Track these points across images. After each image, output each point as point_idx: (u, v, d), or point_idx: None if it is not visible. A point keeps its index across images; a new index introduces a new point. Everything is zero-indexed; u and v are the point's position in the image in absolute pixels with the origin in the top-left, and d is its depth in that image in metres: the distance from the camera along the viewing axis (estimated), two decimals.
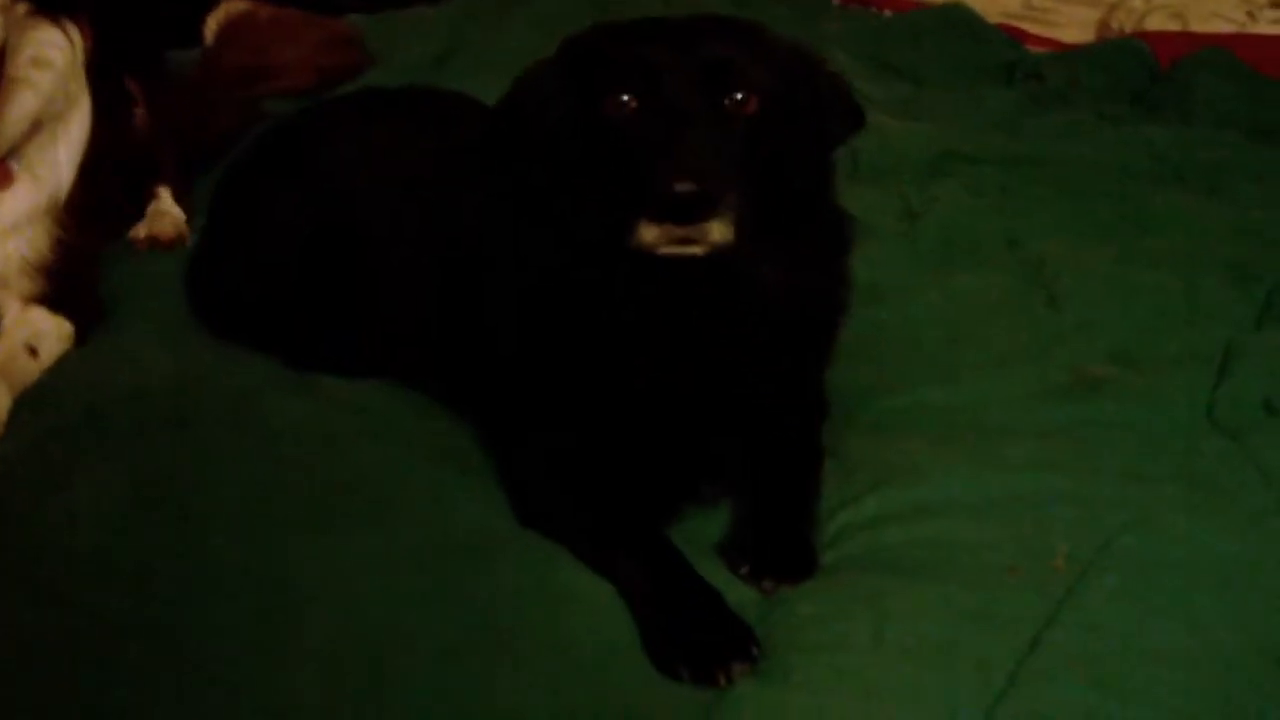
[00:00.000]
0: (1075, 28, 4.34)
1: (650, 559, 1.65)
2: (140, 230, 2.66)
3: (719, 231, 1.58)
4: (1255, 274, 2.42)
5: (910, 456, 1.88)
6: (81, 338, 2.26)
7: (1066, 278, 2.40)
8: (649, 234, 1.58)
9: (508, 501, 1.81)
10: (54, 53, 2.21)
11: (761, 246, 1.68)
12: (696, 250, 1.59)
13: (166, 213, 2.73)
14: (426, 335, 2.02)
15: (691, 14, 1.80)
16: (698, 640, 1.52)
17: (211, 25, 3.57)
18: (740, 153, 1.64)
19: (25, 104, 2.19)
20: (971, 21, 4.08)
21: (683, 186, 1.54)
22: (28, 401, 2.05)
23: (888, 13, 4.42)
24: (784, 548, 1.72)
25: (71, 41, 2.23)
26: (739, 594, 1.64)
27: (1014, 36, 4.09)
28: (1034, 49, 4.02)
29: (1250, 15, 4.00)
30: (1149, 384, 2.05)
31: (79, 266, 2.31)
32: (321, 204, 2.19)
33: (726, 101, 1.65)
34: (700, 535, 1.78)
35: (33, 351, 2.15)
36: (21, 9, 2.15)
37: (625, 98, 1.65)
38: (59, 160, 2.30)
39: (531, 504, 1.79)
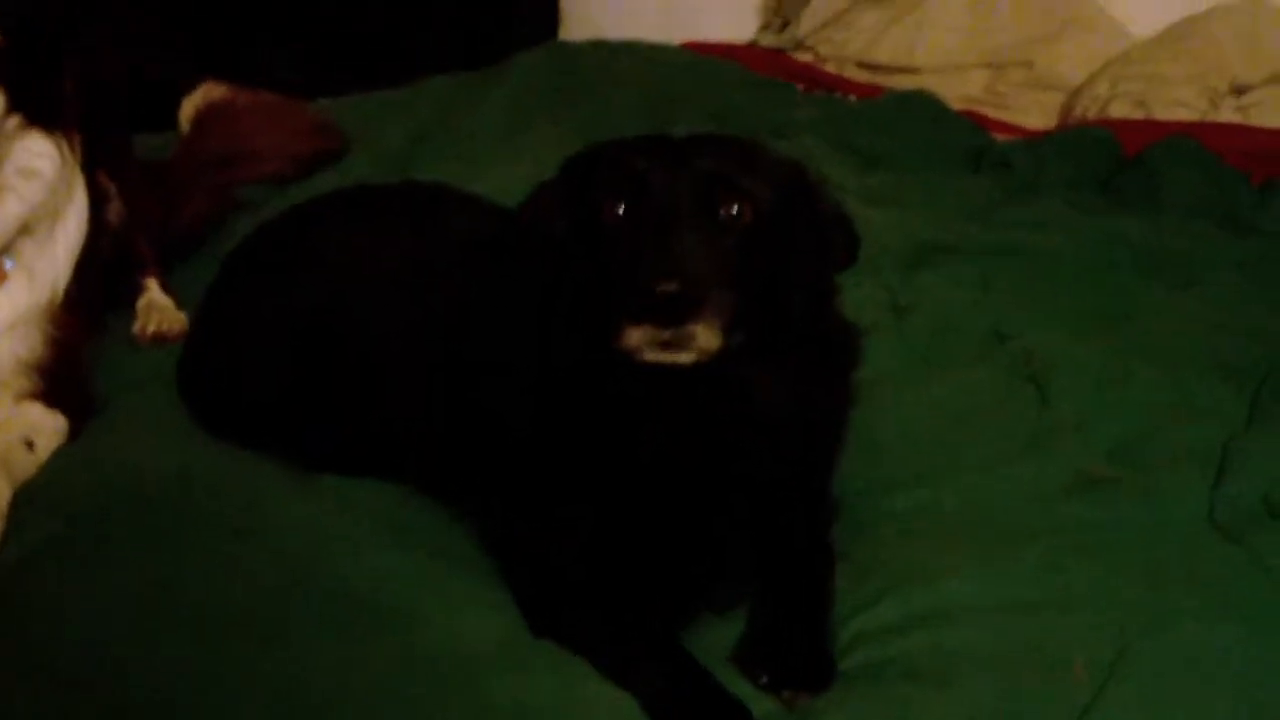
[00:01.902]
0: (1038, 113, 4.41)
1: (672, 670, 1.65)
2: (144, 327, 2.65)
3: (703, 336, 1.59)
4: (1241, 370, 2.46)
5: (921, 560, 1.89)
6: (75, 433, 2.24)
7: (1056, 373, 2.42)
8: (633, 336, 1.60)
9: (519, 609, 1.80)
10: (43, 163, 2.23)
11: (759, 360, 1.71)
12: (683, 359, 1.60)
13: (162, 306, 2.72)
14: (429, 435, 2.01)
15: (689, 132, 1.84)
16: None
17: (188, 110, 3.55)
18: (732, 261, 1.66)
19: (10, 210, 2.21)
20: (937, 108, 4.12)
21: (663, 286, 1.56)
22: (29, 498, 2.04)
23: (852, 98, 4.48)
24: (803, 657, 1.72)
25: (62, 151, 2.25)
26: (761, 706, 1.64)
27: (978, 123, 4.15)
28: (999, 135, 4.07)
29: (1212, 103, 4.07)
30: (1148, 485, 2.07)
31: (73, 362, 2.31)
32: (318, 302, 2.18)
33: (721, 212, 1.68)
34: (714, 642, 1.78)
35: (30, 445, 2.14)
36: (14, 122, 2.17)
37: (620, 207, 1.68)
38: (57, 259, 2.31)
39: (543, 613, 1.77)
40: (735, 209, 1.68)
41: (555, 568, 1.81)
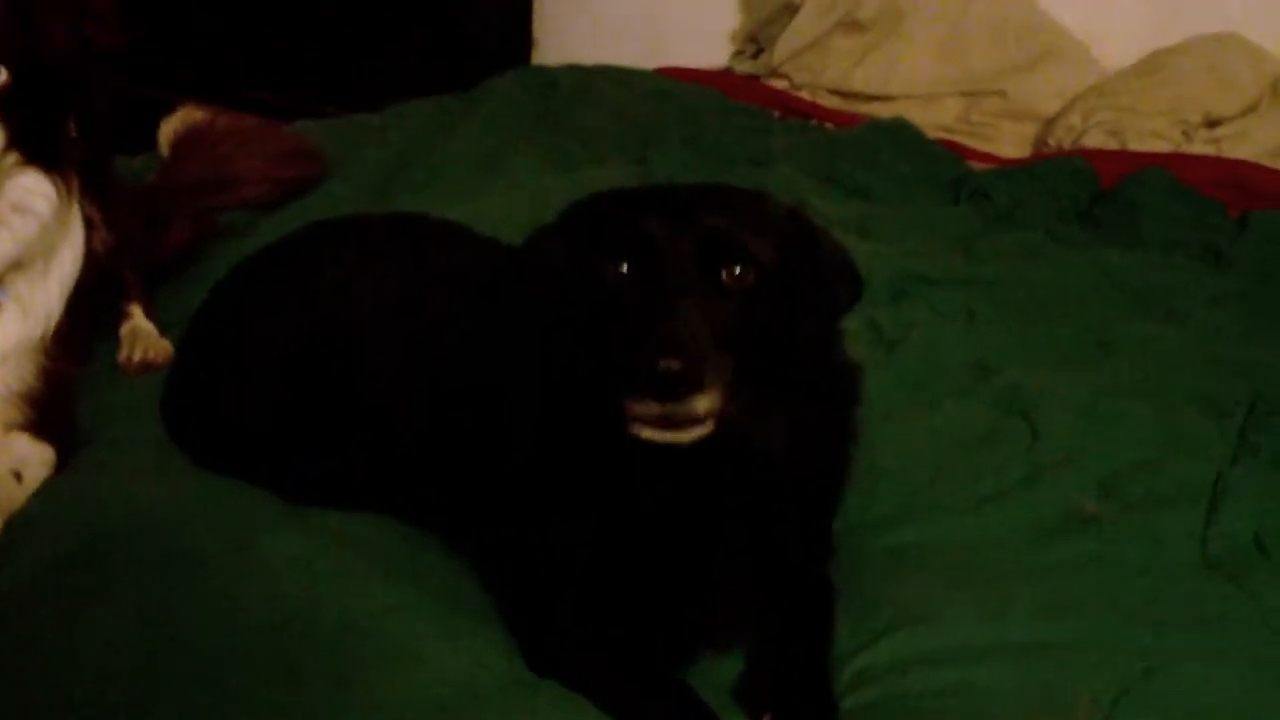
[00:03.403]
0: (1012, 142, 4.45)
1: (678, 709, 1.65)
2: (130, 355, 2.63)
3: (705, 410, 1.57)
4: (1226, 405, 2.48)
5: (920, 598, 1.90)
6: (62, 464, 2.22)
7: (1044, 408, 2.43)
8: (636, 409, 1.58)
9: (519, 648, 1.79)
10: (38, 201, 2.22)
11: (762, 415, 1.69)
12: (684, 439, 1.59)
13: (147, 333, 2.70)
14: (425, 470, 2.00)
15: (694, 184, 1.83)
16: None
17: (167, 132, 3.52)
18: (736, 325, 1.63)
19: (2, 246, 2.19)
20: (915, 137, 4.16)
21: (665, 363, 1.54)
22: (20, 530, 2.02)
23: (830, 126, 4.50)
24: (807, 696, 1.72)
25: (59, 190, 2.24)
26: None
27: (955, 152, 4.18)
28: (975, 164, 4.10)
29: (1185, 135, 4.12)
30: (1141, 523, 2.09)
31: (62, 394, 2.30)
32: (310, 333, 2.17)
33: (724, 274, 1.65)
34: (714, 679, 1.78)
35: (18, 477, 2.12)
36: (12, 159, 2.16)
37: (624, 266, 1.66)
38: (51, 294, 2.30)
39: (544, 652, 1.77)
40: (739, 271, 1.65)
41: (555, 606, 1.80)
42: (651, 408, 1.56)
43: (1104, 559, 2.00)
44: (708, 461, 1.69)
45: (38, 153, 2.18)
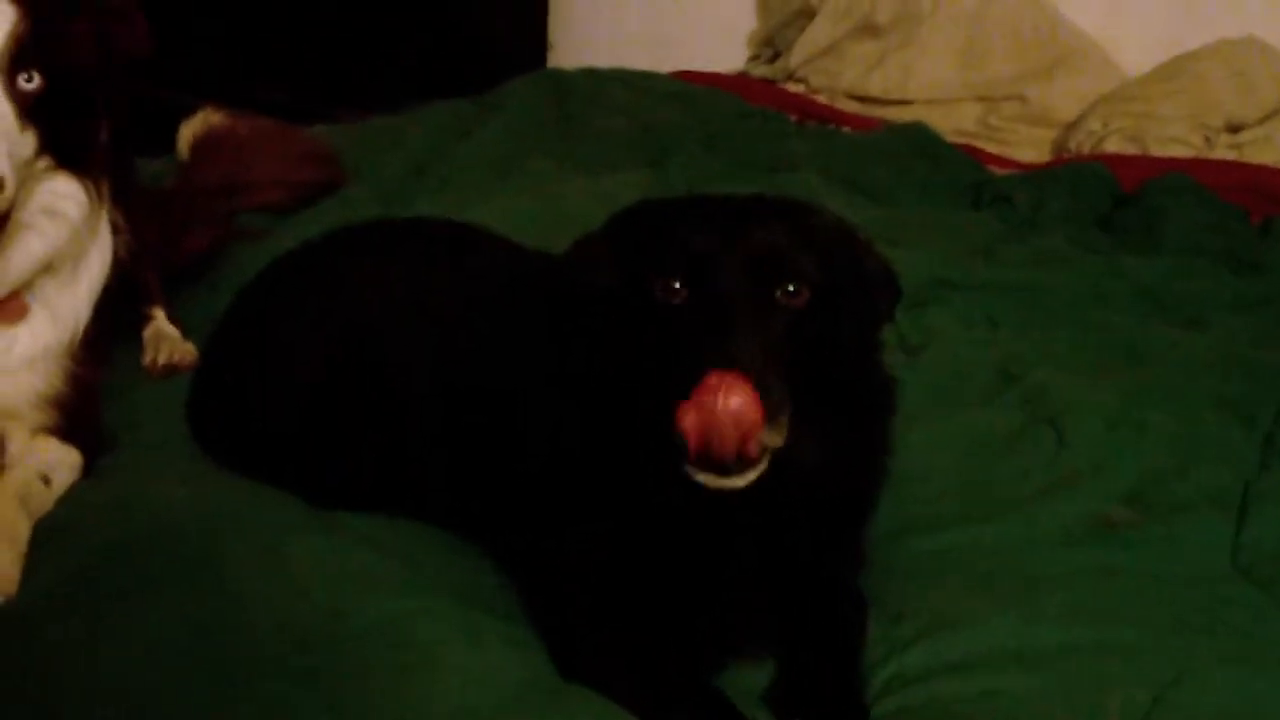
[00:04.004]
0: (1031, 147, 4.44)
1: (710, 715, 1.64)
2: (155, 359, 2.63)
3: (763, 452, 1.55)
4: (1251, 413, 2.47)
5: (949, 604, 1.89)
6: (88, 469, 2.22)
7: (1070, 414, 2.42)
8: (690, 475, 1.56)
9: (548, 651, 1.79)
10: (69, 205, 2.21)
11: (804, 433, 1.66)
12: (741, 483, 1.56)
13: (171, 336, 2.70)
14: (453, 473, 2.00)
15: (740, 195, 1.80)
16: None
17: (186, 136, 3.52)
18: (789, 348, 1.61)
19: (31, 249, 2.18)
20: (934, 142, 4.15)
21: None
22: (48, 535, 2.00)
23: (846, 129, 4.49)
24: (838, 702, 1.71)
25: (89, 195, 2.23)
26: None
27: (973, 157, 4.17)
28: (994, 169, 4.10)
29: (1207, 140, 4.11)
30: (1170, 531, 2.08)
31: (89, 398, 2.29)
32: (339, 337, 2.16)
33: (777, 294, 1.62)
34: (743, 684, 1.77)
35: (46, 481, 2.11)
36: (44, 163, 2.15)
37: (675, 285, 1.62)
38: (79, 299, 2.30)
39: (574, 657, 1.76)
40: (793, 289, 1.62)
41: (583, 610, 1.79)
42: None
43: (1133, 567, 1.99)
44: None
45: (69, 157, 2.18)
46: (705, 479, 1.56)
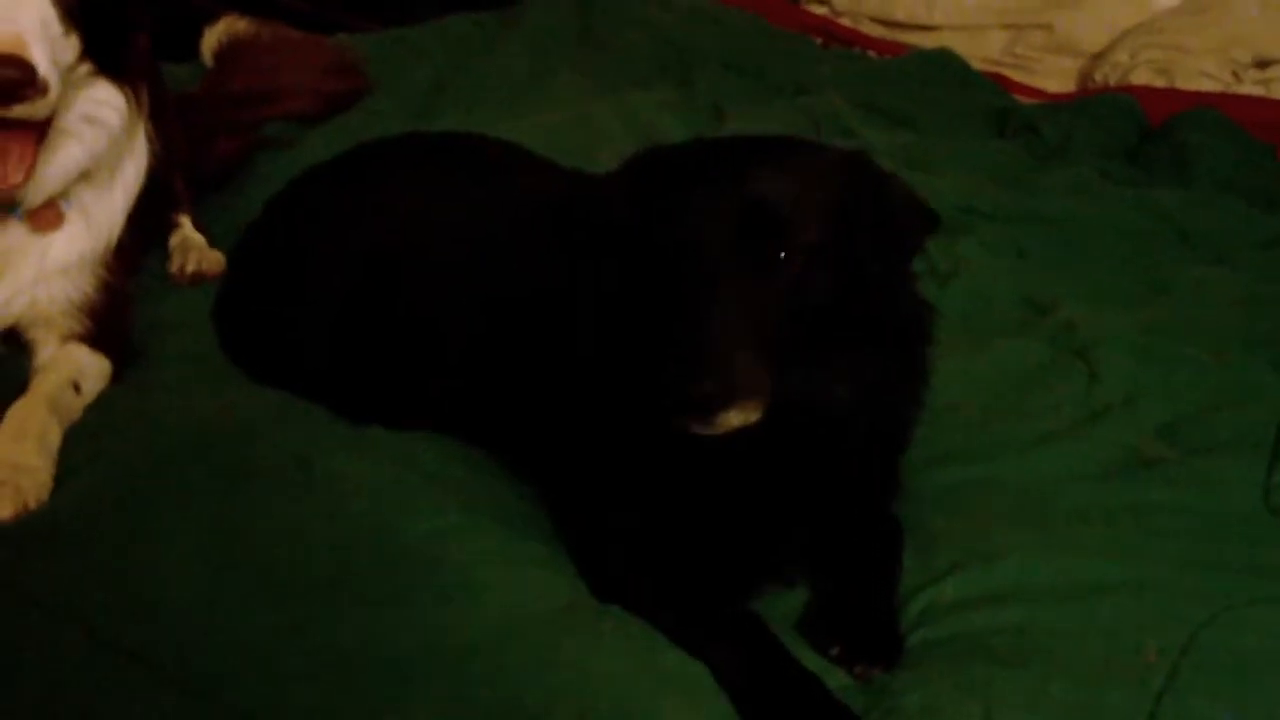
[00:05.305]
0: (1056, 77, 4.41)
1: (746, 640, 1.64)
2: (183, 266, 2.62)
3: (740, 420, 1.56)
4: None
5: (982, 536, 1.89)
6: (117, 376, 2.22)
7: (1100, 348, 2.41)
8: (675, 419, 1.57)
9: (581, 573, 1.79)
10: (108, 113, 2.19)
11: (824, 372, 1.67)
12: (728, 428, 1.57)
13: (198, 244, 2.69)
14: (483, 392, 1.99)
15: (750, 142, 1.77)
16: None
17: (210, 42, 3.51)
18: (787, 304, 1.60)
19: (71, 156, 2.17)
20: (960, 68, 4.12)
21: (699, 389, 1.53)
22: (79, 443, 2.00)
23: (872, 54, 4.45)
24: (875, 631, 1.72)
25: (129, 102, 2.22)
26: (834, 680, 1.64)
27: (1000, 85, 4.14)
28: (1020, 98, 4.06)
29: (1235, 75, 4.07)
30: (1204, 467, 2.07)
31: (120, 306, 2.29)
32: (370, 251, 2.16)
33: (769, 251, 1.61)
34: (779, 611, 1.78)
35: (76, 388, 2.11)
36: (84, 69, 2.12)
37: (672, 243, 1.62)
38: (115, 208, 2.29)
39: (608, 579, 1.76)
40: (787, 247, 1.60)
41: (617, 532, 1.79)
42: (691, 421, 1.56)
43: (1166, 503, 1.98)
44: (770, 415, 1.64)
45: (109, 64, 2.16)
46: (693, 427, 1.58)
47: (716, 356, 1.54)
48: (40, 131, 2.04)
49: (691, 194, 1.62)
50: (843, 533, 1.83)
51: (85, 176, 2.20)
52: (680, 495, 1.74)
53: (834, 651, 1.69)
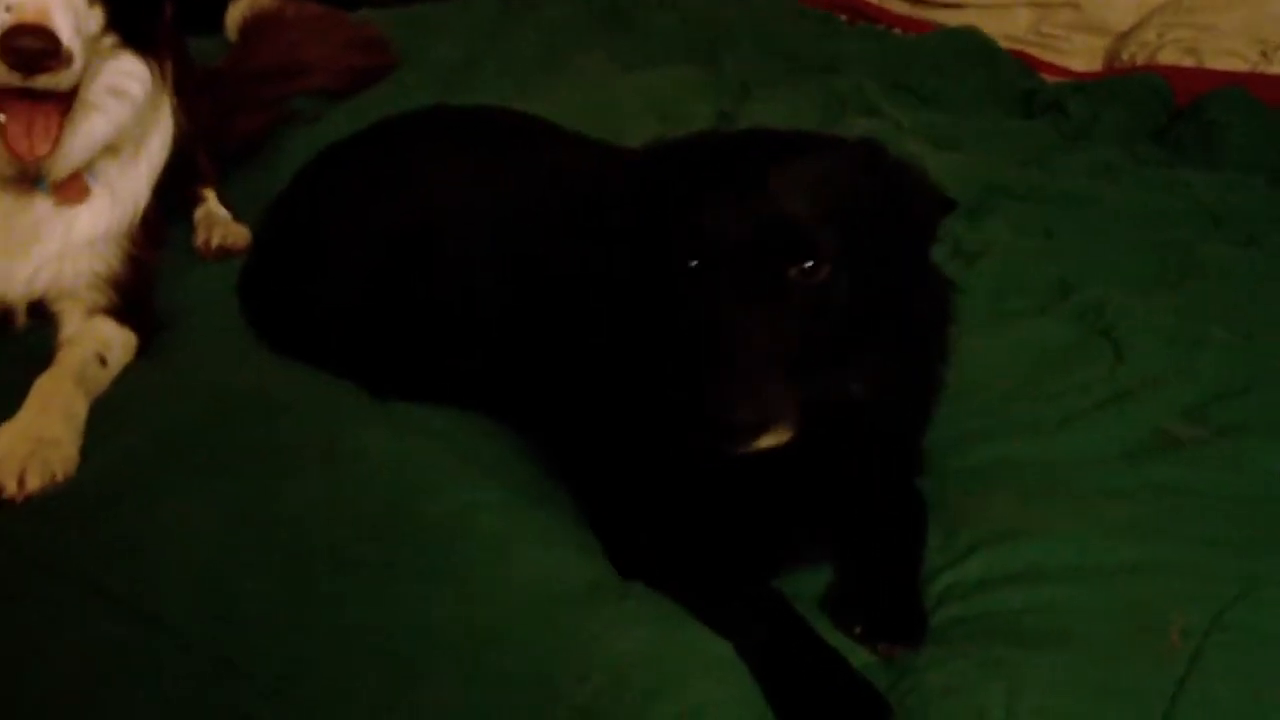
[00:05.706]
0: (1083, 56, 4.38)
1: (771, 618, 1.64)
2: (208, 240, 2.63)
3: (768, 443, 1.54)
4: None
5: (1007, 516, 1.88)
6: (143, 349, 2.23)
7: (1127, 328, 2.40)
8: (705, 441, 1.55)
9: (604, 550, 1.79)
10: (133, 85, 2.20)
11: (843, 371, 1.65)
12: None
13: (223, 218, 2.70)
14: (507, 368, 1.99)
15: (765, 141, 1.72)
16: (835, 712, 1.51)
17: (235, 16, 3.52)
18: (808, 321, 1.57)
19: (96, 129, 2.17)
20: (987, 47, 4.10)
21: (733, 418, 1.51)
22: (106, 416, 2.01)
23: (898, 31, 4.43)
24: (899, 610, 1.71)
25: (154, 74, 2.22)
26: (858, 659, 1.63)
27: (1026, 64, 4.12)
28: (1047, 77, 4.04)
29: (1264, 55, 4.04)
30: (1229, 450, 2.05)
31: (145, 279, 2.29)
32: (397, 225, 2.15)
33: (793, 272, 1.58)
34: (803, 589, 1.77)
35: (103, 361, 2.12)
36: (109, 40, 2.13)
37: (686, 259, 1.59)
38: (140, 181, 2.30)
39: (631, 556, 1.76)
40: (810, 266, 1.57)
41: (639, 510, 1.79)
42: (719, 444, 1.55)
43: (1193, 484, 1.97)
44: None
45: (134, 36, 2.16)
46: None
47: (747, 383, 1.52)
48: (65, 103, 2.04)
49: (711, 214, 1.59)
50: (866, 511, 1.82)
51: (110, 149, 2.21)
52: (703, 475, 1.72)
53: (857, 630, 1.68)
